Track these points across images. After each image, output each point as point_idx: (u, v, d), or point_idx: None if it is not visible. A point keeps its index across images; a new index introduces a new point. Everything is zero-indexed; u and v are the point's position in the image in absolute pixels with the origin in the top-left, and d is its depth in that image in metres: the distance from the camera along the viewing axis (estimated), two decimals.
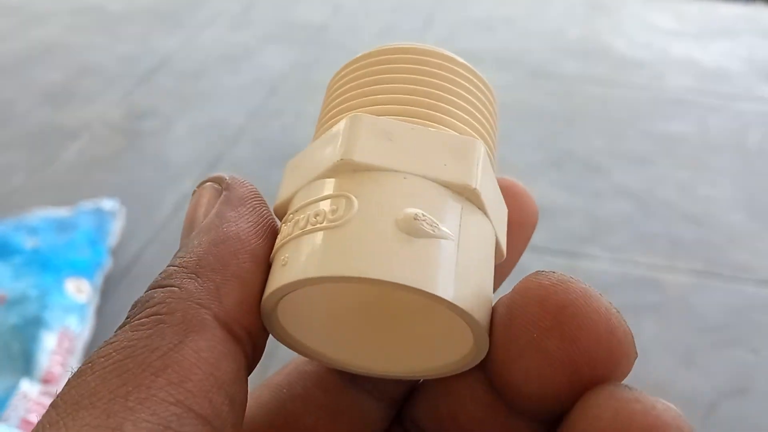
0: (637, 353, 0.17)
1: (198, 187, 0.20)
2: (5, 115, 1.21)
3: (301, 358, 0.21)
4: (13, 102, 1.25)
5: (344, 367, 0.19)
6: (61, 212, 0.91)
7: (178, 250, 0.18)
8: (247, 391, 0.16)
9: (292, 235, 0.17)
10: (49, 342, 0.72)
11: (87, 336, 0.76)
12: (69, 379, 0.15)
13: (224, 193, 0.19)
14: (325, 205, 0.17)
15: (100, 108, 1.23)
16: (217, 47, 1.45)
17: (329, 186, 0.17)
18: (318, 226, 0.17)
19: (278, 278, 0.17)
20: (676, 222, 1.00)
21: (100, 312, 0.80)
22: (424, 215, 0.16)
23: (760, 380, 0.78)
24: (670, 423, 0.14)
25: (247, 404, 0.19)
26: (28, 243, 0.85)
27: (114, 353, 0.15)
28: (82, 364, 0.15)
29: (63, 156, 1.10)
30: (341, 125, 0.17)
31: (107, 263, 0.85)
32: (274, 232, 0.19)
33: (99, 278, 0.83)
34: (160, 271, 0.17)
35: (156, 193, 1.01)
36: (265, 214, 0.19)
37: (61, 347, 0.73)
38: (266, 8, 1.63)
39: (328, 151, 0.17)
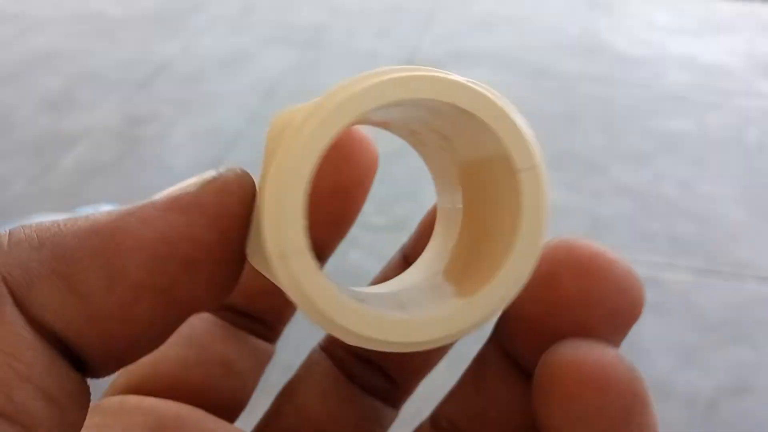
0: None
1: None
2: (5, 123, 1.22)
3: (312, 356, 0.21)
4: (13, 109, 1.25)
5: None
6: (61, 219, 0.91)
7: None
8: (79, 384, 0.13)
9: None
10: None
11: None
12: None
13: (187, 188, 0.14)
14: None
15: (100, 114, 1.24)
16: (216, 52, 1.45)
17: None
18: None
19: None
20: (676, 220, 1.00)
21: None
22: None
23: (760, 378, 0.78)
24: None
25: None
26: None
27: None
28: None
29: (63, 162, 1.10)
30: None
31: None
32: (190, 266, 0.14)
33: None
34: None
35: None
36: (205, 242, 0.14)
37: None
38: (264, 12, 1.64)
39: None
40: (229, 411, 0.20)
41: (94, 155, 1.13)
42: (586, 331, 0.15)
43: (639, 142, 1.17)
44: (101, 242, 0.13)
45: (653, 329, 0.83)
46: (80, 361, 0.13)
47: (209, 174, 0.15)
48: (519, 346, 0.17)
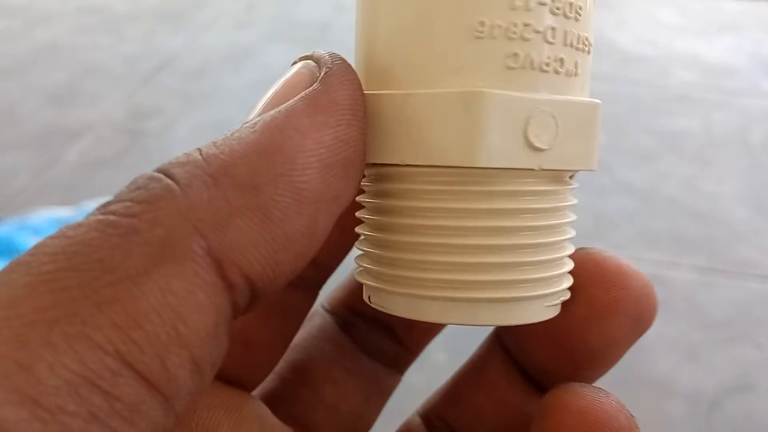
0: None
1: (296, 61, 0.15)
2: (10, 116, 1.22)
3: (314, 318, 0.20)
4: (17, 102, 1.25)
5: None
6: (65, 212, 0.91)
7: (222, 136, 0.13)
8: (224, 351, 0.12)
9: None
10: None
11: None
12: (7, 267, 0.11)
13: (316, 85, 0.14)
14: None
15: (104, 108, 1.24)
16: (220, 47, 1.45)
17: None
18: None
19: None
20: (680, 218, 1.00)
21: None
22: None
23: (764, 376, 0.78)
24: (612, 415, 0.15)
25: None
26: (32, 243, 0.85)
27: (60, 254, 0.11)
28: (28, 251, 0.11)
29: (67, 156, 1.10)
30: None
31: None
32: (347, 169, 0.14)
33: None
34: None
35: None
36: (352, 140, 0.14)
37: None
38: (269, 8, 1.63)
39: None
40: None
41: (99, 149, 1.13)
42: (612, 341, 0.16)
43: (643, 140, 1.17)
44: (278, 162, 0.13)
45: (657, 327, 0.82)
46: (248, 302, 0.13)
47: (309, 64, 0.15)
48: (537, 355, 0.17)
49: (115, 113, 1.22)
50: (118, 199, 0.12)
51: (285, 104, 0.13)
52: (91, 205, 0.93)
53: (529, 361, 0.18)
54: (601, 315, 0.16)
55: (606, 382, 0.63)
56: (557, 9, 0.15)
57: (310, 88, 0.14)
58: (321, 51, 0.15)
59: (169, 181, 0.12)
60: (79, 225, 0.12)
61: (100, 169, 1.08)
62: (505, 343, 0.18)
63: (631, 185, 1.05)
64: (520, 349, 0.18)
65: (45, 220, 0.89)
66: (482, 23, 0.14)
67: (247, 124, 0.13)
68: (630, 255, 0.93)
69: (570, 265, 0.16)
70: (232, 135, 0.13)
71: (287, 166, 0.13)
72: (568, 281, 0.16)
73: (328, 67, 0.14)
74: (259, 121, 0.13)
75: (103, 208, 0.12)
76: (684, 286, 0.89)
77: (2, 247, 0.85)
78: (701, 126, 1.20)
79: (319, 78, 0.14)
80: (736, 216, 1.00)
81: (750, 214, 1.00)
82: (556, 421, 0.15)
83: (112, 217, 0.11)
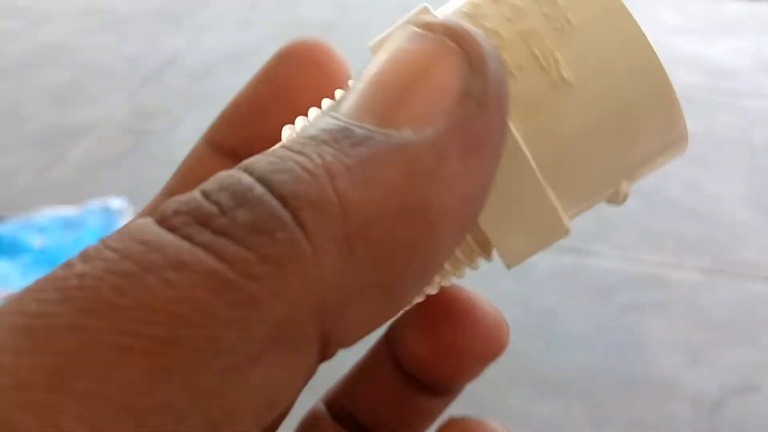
0: None
1: (417, 20, 0.12)
2: (13, 116, 1.22)
3: None
4: (20, 103, 1.25)
5: None
6: (69, 211, 0.92)
7: (347, 138, 0.10)
8: None
9: None
10: None
11: None
12: (70, 280, 0.09)
13: (473, 107, 0.10)
14: None
15: (107, 108, 1.24)
16: (223, 47, 1.45)
17: None
18: None
19: None
20: (682, 219, 1.00)
21: None
22: None
23: (766, 377, 0.78)
24: None
25: None
26: (37, 242, 0.85)
27: (159, 311, 0.09)
28: (107, 282, 0.09)
29: (70, 155, 1.10)
30: None
31: None
32: (471, 225, 0.12)
33: None
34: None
35: None
36: (487, 187, 0.11)
37: None
38: (271, 8, 1.64)
39: None
40: None
41: (102, 149, 1.13)
42: (458, 369, 0.17)
43: None
44: (419, 230, 0.10)
45: (660, 328, 0.83)
46: None
47: (458, 53, 0.11)
48: (405, 361, 0.18)
49: (119, 113, 1.22)
50: (231, 234, 0.09)
51: (432, 127, 0.10)
52: (96, 204, 0.93)
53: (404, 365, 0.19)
54: (447, 353, 0.17)
55: (608, 383, 0.63)
56: None
57: (465, 110, 0.10)
58: (456, 22, 0.11)
59: (300, 234, 0.09)
60: (180, 264, 0.09)
61: (104, 169, 1.08)
62: (391, 344, 0.19)
63: (633, 186, 1.05)
64: (397, 352, 0.19)
65: (49, 219, 0.89)
66: None
67: (383, 140, 0.10)
68: (632, 256, 0.93)
69: None
70: (369, 158, 0.10)
71: (427, 236, 0.10)
72: None
73: (480, 62, 0.11)
74: (399, 142, 0.10)
75: (211, 237, 0.09)
76: (686, 287, 0.89)
77: (6, 245, 0.85)
78: (704, 127, 1.20)
79: (478, 91, 0.11)
80: (738, 217, 1.00)
81: (752, 216, 1.01)
82: None
83: (227, 272, 0.09)
